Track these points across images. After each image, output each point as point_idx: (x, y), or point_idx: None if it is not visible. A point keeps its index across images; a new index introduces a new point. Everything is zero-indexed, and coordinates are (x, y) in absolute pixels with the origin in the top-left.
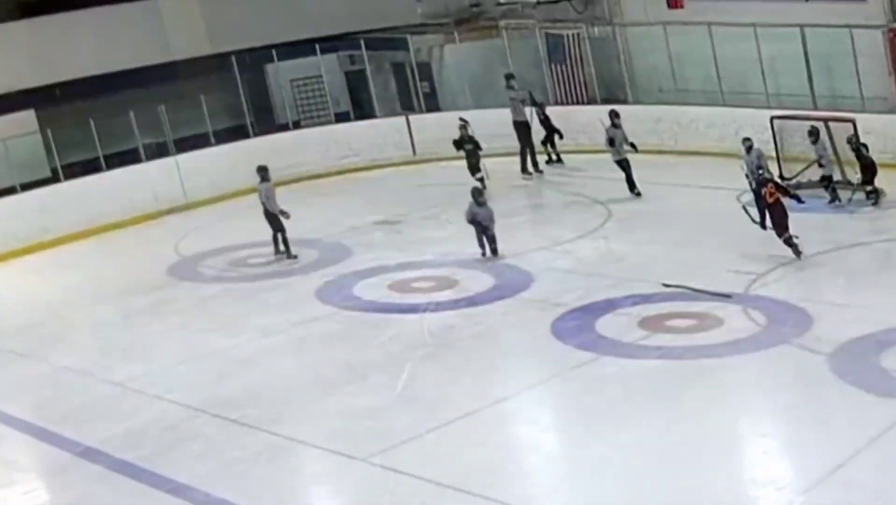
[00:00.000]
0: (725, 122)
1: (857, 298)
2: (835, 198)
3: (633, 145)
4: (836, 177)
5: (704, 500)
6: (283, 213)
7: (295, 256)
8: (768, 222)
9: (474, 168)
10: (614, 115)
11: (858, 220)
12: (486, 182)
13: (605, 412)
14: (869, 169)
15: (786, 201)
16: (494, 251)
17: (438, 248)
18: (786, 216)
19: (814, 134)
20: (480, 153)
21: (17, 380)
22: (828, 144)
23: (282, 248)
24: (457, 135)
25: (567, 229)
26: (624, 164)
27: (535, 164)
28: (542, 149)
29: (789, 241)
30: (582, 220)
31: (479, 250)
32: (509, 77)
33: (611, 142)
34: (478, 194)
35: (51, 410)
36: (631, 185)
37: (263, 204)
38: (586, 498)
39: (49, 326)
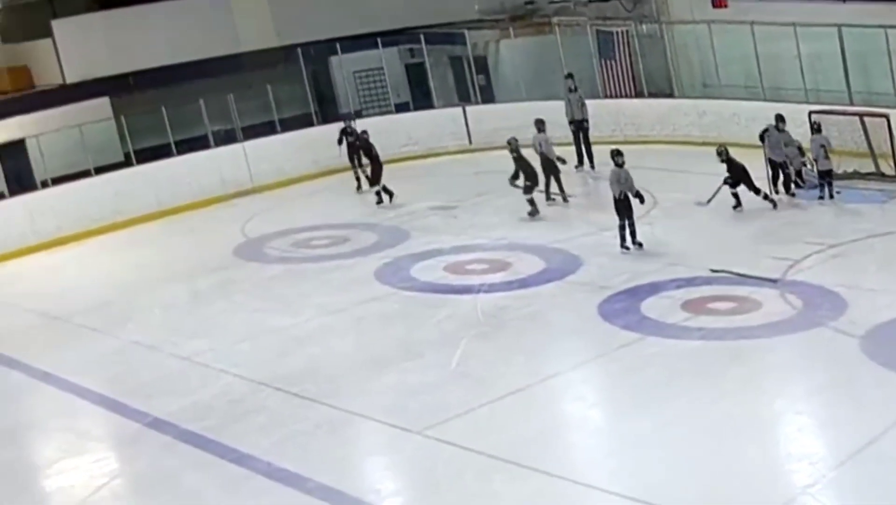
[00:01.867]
0: (766, 117)
1: (889, 284)
2: (826, 194)
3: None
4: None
5: (742, 473)
6: (560, 159)
7: (567, 200)
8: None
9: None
10: (780, 119)
11: (890, 209)
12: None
13: (648, 390)
14: (739, 172)
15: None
16: (633, 235)
17: (492, 232)
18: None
19: (814, 127)
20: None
21: (91, 354)
22: (825, 142)
23: (553, 193)
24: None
25: (614, 216)
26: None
27: (590, 158)
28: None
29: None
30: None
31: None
32: (569, 76)
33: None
34: (617, 154)
35: (122, 383)
36: (785, 185)
37: (541, 153)
38: (630, 470)
39: (121, 303)
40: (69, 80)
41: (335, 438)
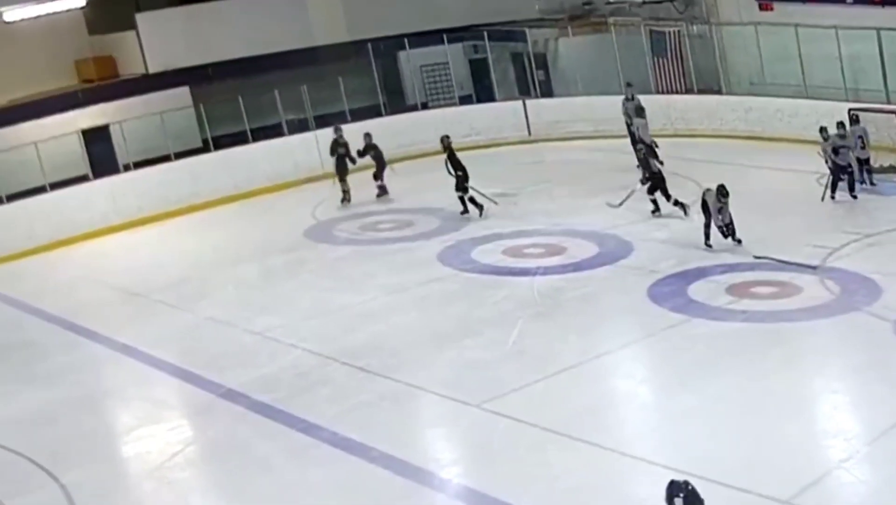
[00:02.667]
0: (808, 113)
1: None
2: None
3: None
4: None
5: (781, 447)
6: (655, 143)
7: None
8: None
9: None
10: (841, 125)
11: None
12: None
13: (694, 368)
14: (657, 178)
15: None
16: (733, 233)
17: (549, 218)
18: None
19: (853, 119)
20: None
21: (167, 328)
22: (863, 133)
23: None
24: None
25: (664, 205)
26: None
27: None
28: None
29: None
30: (677, 197)
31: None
32: (629, 85)
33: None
34: (725, 194)
35: (196, 355)
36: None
37: (640, 137)
38: (675, 444)
39: (196, 281)
40: (151, 70)
41: (398, 409)
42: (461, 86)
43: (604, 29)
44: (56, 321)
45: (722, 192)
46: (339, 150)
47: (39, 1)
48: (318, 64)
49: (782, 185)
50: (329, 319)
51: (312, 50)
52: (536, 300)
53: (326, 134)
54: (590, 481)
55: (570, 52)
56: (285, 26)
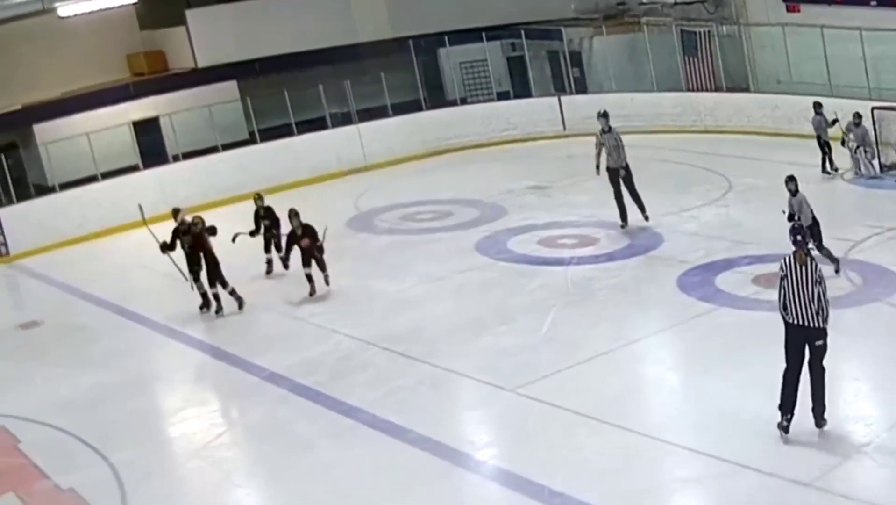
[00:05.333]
0: (832, 112)
1: None
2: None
3: None
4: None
5: (804, 432)
6: (827, 143)
7: (837, 170)
8: None
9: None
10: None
11: None
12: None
13: (720, 356)
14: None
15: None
16: (833, 259)
17: (582, 210)
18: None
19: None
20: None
21: (213, 314)
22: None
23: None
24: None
25: (693, 198)
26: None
27: (641, 208)
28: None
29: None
30: (706, 191)
31: None
32: (603, 115)
33: None
34: (789, 180)
35: (241, 340)
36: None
37: (818, 135)
38: (701, 428)
39: (242, 267)
40: (200, 65)
41: (435, 393)
42: (499, 82)
43: (636, 28)
44: (107, 306)
45: (788, 178)
46: (263, 222)
47: None
48: (361, 60)
49: (807, 180)
50: (370, 305)
51: (356, 46)
52: (570, 289)
53: (370, 128)
54: (619, 464)
55: (603, 51)
56: (330, 23)
